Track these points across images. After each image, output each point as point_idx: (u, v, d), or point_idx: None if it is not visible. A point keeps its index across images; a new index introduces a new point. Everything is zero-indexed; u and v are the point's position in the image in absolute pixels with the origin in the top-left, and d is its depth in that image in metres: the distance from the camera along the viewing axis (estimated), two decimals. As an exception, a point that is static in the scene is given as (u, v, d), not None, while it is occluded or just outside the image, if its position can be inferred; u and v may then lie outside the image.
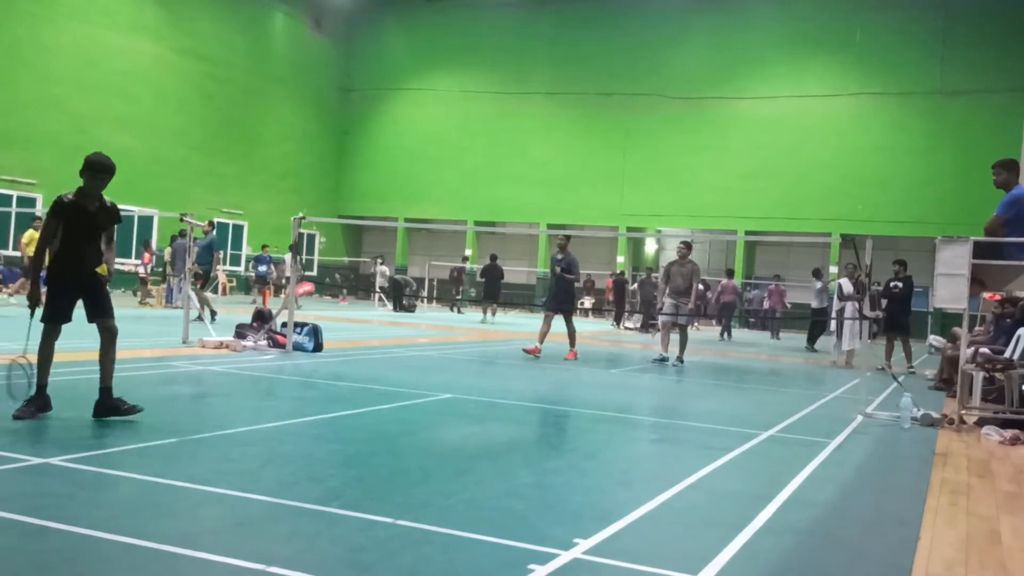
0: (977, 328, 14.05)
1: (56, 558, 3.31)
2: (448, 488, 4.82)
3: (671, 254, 37.43)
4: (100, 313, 6.02)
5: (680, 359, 13.82)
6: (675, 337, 14.29)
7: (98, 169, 5.95)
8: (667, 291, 13.91)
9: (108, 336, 6.02)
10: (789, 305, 29.25)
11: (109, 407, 5.94)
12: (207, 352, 11.01)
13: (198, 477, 4.57)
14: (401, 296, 27.57)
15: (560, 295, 14.02)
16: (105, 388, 5.97)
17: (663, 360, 13.68)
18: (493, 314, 24.64)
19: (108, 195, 6.11)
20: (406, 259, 37.62)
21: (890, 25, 30.63)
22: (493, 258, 24.74)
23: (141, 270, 23.13)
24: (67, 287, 5.98)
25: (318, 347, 11.95)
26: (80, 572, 3.23)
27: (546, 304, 15.39)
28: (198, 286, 16.28)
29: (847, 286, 15.44)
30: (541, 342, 13.37)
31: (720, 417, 8.28)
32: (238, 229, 32.82)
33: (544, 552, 3.68)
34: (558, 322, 13.94)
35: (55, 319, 5.94)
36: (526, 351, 13.44)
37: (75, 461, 4.77)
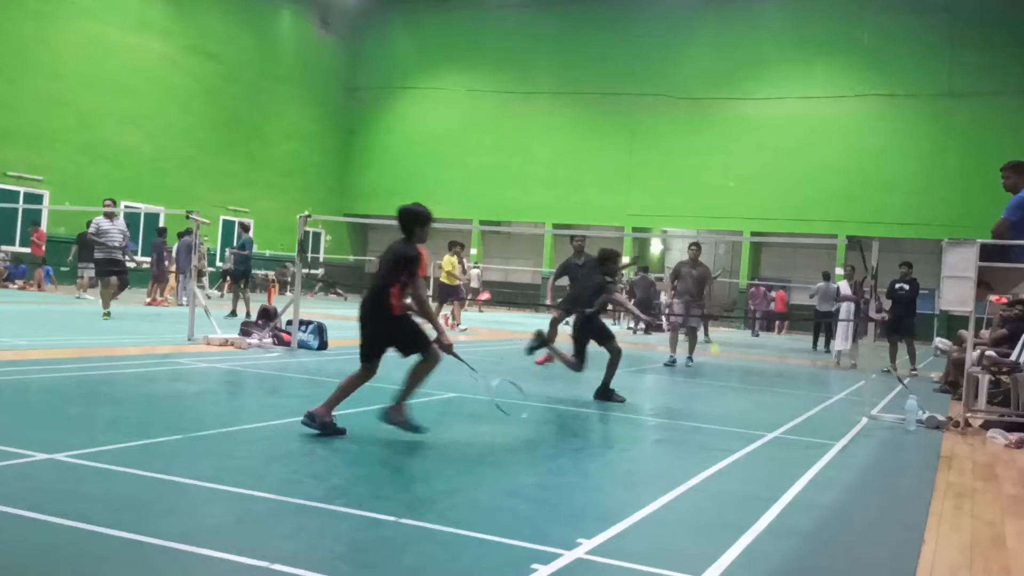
0: (983, 331, 14.01)
1: (59, 554, 3.32)
2: (451, 487, 4.82)
3: (676, 254, 37.53)
4: None
5: (690, 359, 13.84)
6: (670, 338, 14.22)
7: None
8: (676, 292, 13.80)
9: None
10: (772, 306, 29.52)
11: None
12: (212, 349, 11.03)
13: (202, 474, 4.57)
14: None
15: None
16: None
17: (673, 363, 13.65)
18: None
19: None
20: (411, 258, 37.62)
21: (898, 27, 30.54)
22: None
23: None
24: None
25: (323, 345, 11.95)
26: (83, 568, 3.23)
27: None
28: (240, 285, 17.62)
29: (844, 288, 16.00)
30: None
31: (724, 418, 8.26)
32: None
33: (547, 552, 3.68)
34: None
35: None
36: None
37: (79, 457, 4.78)
